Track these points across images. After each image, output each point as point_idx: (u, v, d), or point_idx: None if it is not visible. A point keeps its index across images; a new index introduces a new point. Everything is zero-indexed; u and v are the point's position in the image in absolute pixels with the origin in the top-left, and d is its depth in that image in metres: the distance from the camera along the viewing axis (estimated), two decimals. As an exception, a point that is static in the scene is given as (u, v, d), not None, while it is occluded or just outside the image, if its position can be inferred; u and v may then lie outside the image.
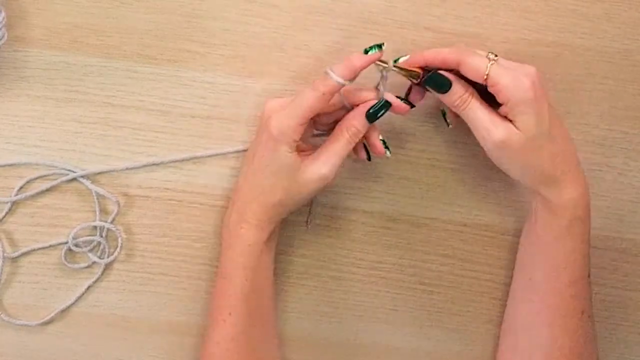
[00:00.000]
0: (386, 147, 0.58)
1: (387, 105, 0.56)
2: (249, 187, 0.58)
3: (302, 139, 0.57)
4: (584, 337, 0.58)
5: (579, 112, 0.64)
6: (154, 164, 0.62)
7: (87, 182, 0.61)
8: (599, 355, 0.63)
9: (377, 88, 0.57)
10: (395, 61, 0.57)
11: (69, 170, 0.61)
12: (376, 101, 0.56)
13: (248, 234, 0.57)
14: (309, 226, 0.63)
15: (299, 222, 0.63)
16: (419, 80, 0.57)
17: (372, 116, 0.56)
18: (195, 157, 0.62)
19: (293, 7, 0.62)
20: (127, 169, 0.62)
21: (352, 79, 0.54)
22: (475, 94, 0.56)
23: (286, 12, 0.62)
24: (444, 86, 0.56)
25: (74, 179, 0.61)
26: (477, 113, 0.55)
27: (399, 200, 0.64)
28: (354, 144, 0.56)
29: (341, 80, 0.54)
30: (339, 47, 0.62)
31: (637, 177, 0.65)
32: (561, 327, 0.58)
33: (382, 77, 0.56)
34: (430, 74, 0.56)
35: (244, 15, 0.62)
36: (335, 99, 0.56)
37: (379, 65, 0.56)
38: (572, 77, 0.64)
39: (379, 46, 0.55)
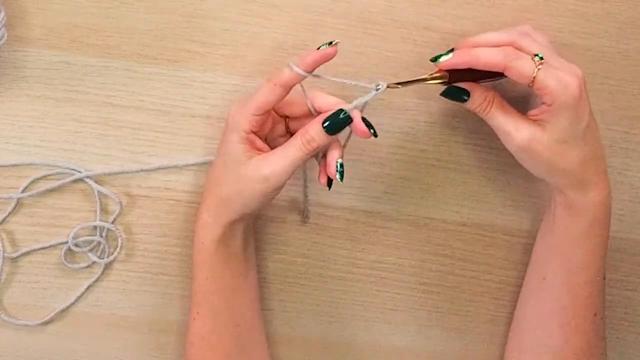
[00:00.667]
0: (340, 173, 0.55)
1: (345, 118, 0.53)
2: (208, 183, 0.58)
3: (264, 135, 0.56)
4: (595, 338, 0.58)
5: (579, 112, 0.64)
6: (160, 167, 0.62)
7: (92, 183, 0.61)
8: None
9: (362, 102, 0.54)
10: (435, 59, 0.54)
11: (74, 170, 0.61)
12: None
13: (202, 232, 0.57)
14: (306, 220, 0.63)
15: (298, 222, 0.63)
16: (446, 82, 0.55)
17: (329, 128, 0.53)
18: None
19: (293, 7, 0.62)
20: (141, 170, 0.62)
21: (305, 70, 0.53)
22: (497, 98, 0.55)
23: (286, 12, 0.62)
24: (461, 98, 0.55)
25: (76, 179, 0.61)
26: (498, 119, 0.55)
27: (399, 200, 0.64)
28: (307, 153, 0.54)
29: (296, 69, 0.52)
30: (339, 47, 0.62)
31: (637, 177, 0.65)
32: (573, 328, 0.58)
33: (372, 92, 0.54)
34: (446, 87, 0.55)
35: (244, 15, 0.62)
36: (303, 105, 0.56)
37: (397, 86, 0.54)
38: (572, 77, 0.64)
39: (330, 43, 0.53)
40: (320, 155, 0.57)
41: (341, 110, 0.53)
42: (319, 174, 0.57)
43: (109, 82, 0.62)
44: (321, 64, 0.53)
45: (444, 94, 0.56)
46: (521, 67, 0.52)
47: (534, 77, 0.52)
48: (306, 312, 0.64)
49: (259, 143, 0.56)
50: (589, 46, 0.64)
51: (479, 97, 0.55)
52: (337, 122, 0.53)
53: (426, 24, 0.63)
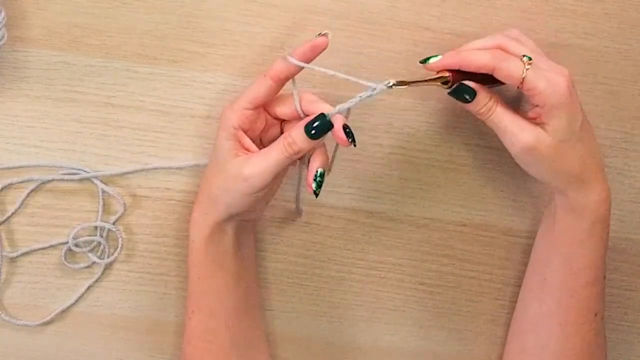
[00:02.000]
0: (318, 183, 0.54)
1: (324, 124, 0.52)
2: (200, 182, 0.58)
3: (257, 136, 0.56)
4: (595, 338, 0.58)
5: (579, 112, 0.64)
6: (181, 167, 0.62)
7: (99, 183, 0.61)
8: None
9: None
10: (425, 61, 0.55)
11: (80, 170, 0.61)
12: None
13: (192, 230, 0.57)
14: (299, 215, 0.63)
15: (298, 222, 0.63)
16: (449, 84, 0.55)
17: (309, 131, 0.52)
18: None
19: (293, 7, 0.62)
20: (153, 168, 0.62)
21: (300, 59, 0.53)
22: (500, 99, 0.55)
23: (286, 12, 0.62)
24: (468, 97, 0.54)
25: (80, 180, 0.62)
26: (502, 120, 0.54)
27: (399, 200, 0.64)
28: (288, 156, 0.53)
29: (289, 58, 0.53)
30: (338, 47, 0.62)
31: (637, 177, 0.65)
32: (573, 328, 0.58)
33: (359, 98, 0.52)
34: (455, 86, 0.54)
35: (244, 15, 0.62)
36: (292, 106, 0.55)
37: (400, 85, 0.52)
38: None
39: (322, 34, 0.53)
40: (307, 160, 0.56)
41: (322, 114, 0.52)
42: (306, 180, 0.55)
43: (109, 82, 0.62)
44: (313, 55, 0.53)
45: (452, 93, 0.55)
46: (510, 68, 0.52)
47: (523, 78, 0.52)
48: (306, 312, 0.64)
49: (247, 142, 0.55)
50: (589, 46, 0.64)
51: (485, 97, 0.54)
52: (316, 127, 0.52)
53: (426, 24, 0.63)
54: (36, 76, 0.61)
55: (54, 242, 0.62)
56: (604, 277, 0.59)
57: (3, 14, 0.59)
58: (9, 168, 0.61)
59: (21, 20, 0.61)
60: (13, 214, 0.62)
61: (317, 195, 0.54)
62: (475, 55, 0.53)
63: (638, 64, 0.64)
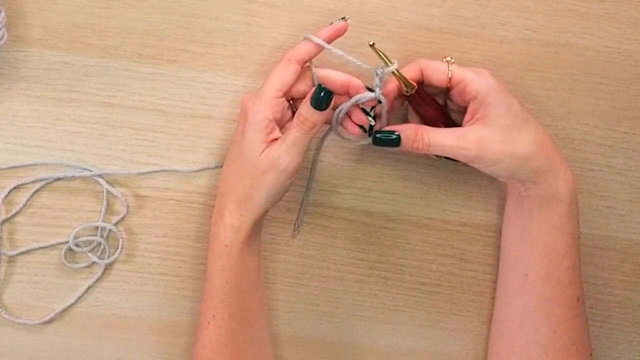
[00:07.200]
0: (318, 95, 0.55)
1: (326, 93, 0.54)
2: (225, 183, 0.57)
3: (282, 124, 0.57)
4: (579, 324, 0.59)
5: (579, 112, 0.64)
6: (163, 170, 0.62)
7: (104, 182, 0.61)
8: (598, 354, 0.63)
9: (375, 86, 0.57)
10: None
11: (85, 169, 0.62)
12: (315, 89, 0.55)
13: (225, 234, 0.56)
14: (296, 233, 0.63)
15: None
16: (411, 92, 0.57)
17: (315, 104, 0.54)
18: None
19: (293, 7, 0.62)
20: (162, 171, 0.62)
21: (320, 45, 0.56)
22: (426, 127, 0.56)
23: (286, 12, 0.62)
24: (393, 138, 0.56)
25: (84, 179, 0.62)
26: (445, 140, 0.55)
27: (399, 200, 0.64)
28: (305, 132, 0.54)
29: (315, 38, 0.55)
30: (338, 47, 0.62)
31: (637, 177, 0.65)
32: (559, 317, 0.58)
33: (377, 75, 0.56)
34: (374, 134, 0.57)
35: (244, 15, 0.62)
36: (308, 81, 0.57)
37: (384, 60, 0.55)
38: (572, 77, 0.64)
39: (343, 18, 0.56)
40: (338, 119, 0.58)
41: (319, 85, 0.54)
42: (346, 127, 0.59)
43: (109, 82, 0.62)
44: (334, 38, 0.56)
45: (377, 143, 0.57)
46: (436, 65, 0.56)
47: (450, 71, 0.55)
48: (306, 312, 0.64)
49: (277, 133, 0.56)
50: (589, 46, 0.64)
51: (411, 129, 0.56)
52: (320, 98, 0.54)
53: (426, 24, 0.63)
54: (36, 76, 0.61)
55: (54, 242, 0.62)
56: (580, 259, 0.59)
57: (3, 14, 0.59)
58: (14, 167, 0.61)
59: (21, 20, 0.61)
60: (17, 212, 0.61)
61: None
62: (405, 69, 0.57)
63: (638, 64, 0.64)
